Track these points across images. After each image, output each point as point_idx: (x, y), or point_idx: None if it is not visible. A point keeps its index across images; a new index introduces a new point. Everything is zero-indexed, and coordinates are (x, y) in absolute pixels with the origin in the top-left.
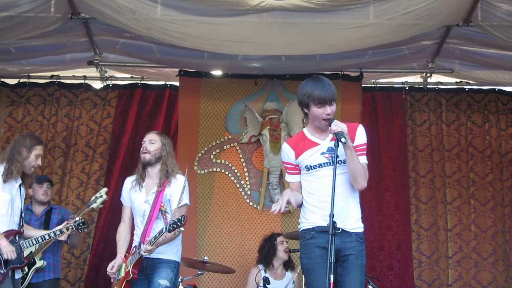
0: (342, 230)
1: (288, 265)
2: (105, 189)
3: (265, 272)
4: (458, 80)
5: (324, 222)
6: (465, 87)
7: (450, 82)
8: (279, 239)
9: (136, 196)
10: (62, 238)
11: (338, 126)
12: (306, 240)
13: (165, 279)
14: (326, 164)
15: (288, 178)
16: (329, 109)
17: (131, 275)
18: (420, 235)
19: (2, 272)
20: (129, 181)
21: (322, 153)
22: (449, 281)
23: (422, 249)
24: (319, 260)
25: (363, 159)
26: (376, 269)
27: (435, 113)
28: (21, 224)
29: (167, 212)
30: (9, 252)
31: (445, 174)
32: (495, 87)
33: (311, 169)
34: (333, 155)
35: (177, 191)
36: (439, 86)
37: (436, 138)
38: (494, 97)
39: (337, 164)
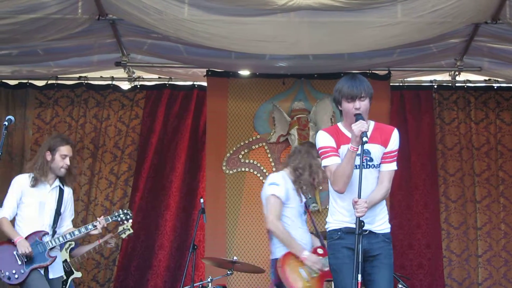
0: (370, 231)
1: None
2: (130, 221)
3: None
4: (487, 78)
5: (352, 223)
6: (494, 85)
7: (479, 80)
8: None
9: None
10: (96, 232)
11: (359, 126)
12: (333, 241)
13: None
14: (359, 166)
15: (328, 161)
16: (358, 104)
17: None
18: (450, 234)
19: (23, 272)
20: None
21: (357, 154)
22: (479, 279)
23: (452, 248)
24: (346, 260)
25: (393, 166)
26: (406, 267)
27: (463, 111)
28: (54, 225)
29: None
30: (23, 247)
31: (474, 172)
32: None
33: None
34: (367, 158)
35: None
36: (467, 84)
37: (465, 136)
38: None
39: (371, 168)
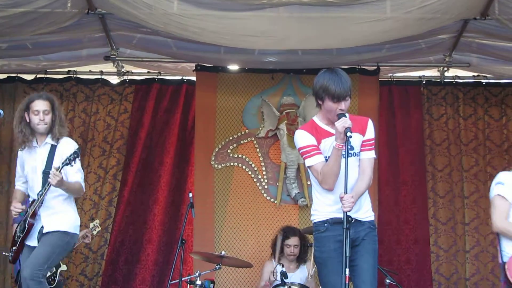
0: (355, 219)
1: (300, 258)
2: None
3: (283, 266)
4: (475, 74)
5: (338, 213)
6: (483, 81)
7: (467, 76)
8: (287, 242)
9: None
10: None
11: (342, 123)
12: (320, 233)
13: None
14: (342, 156)
15: (312, 160)
16: (344, 105)
17: None
18: (438, 229)
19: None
20: None
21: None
22: (466, 275)
23: (439, 243)
24: (332, 254)
25: (372, 154)
26: (393, 263)
27: (452, 107)
28: (42, 189)
29: None
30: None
31: (462, 168)
32: None
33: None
34: (349, 147)
35: None
36: (456, 80)
37: (453, 132)
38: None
39: (352, 157)
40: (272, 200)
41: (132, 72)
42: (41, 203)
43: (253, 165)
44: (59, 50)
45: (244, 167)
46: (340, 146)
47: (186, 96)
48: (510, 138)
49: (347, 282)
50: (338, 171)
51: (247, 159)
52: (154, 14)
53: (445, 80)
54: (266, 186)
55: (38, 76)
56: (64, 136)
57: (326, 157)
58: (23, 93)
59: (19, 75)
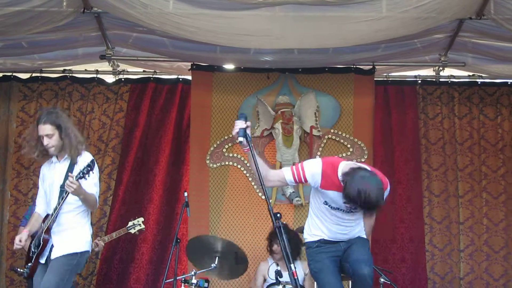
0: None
1: (296, 255)
2: (142, 219)
3: (277, 265)
4: (471, 74)
5: (329, 237)
6: (478, 80)
7: (463, 76)
8: (274, 248)
9: None
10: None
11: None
12: (312, 249)
13: None
14: (344, 211)
15: (286, 171)
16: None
17: None
18: (433, 228)
19: (27, 266)
20: None
21: (345, 202)
22: (461, 274)
23: (435, 242)
24: (326, 261)
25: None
26: (388, 261)
27: (447, 106)
28: (56, 207)
29: None
30: (16, 244)
31: (457, 167)
32: (508, 81)
33: (330, 207)
34: (352, 206)
35: None
36: (451, 80)
37: (449, 131)
38: (507, 91)
39: (354, 213)
40: None
41: (127, 71)
42: (56, 218)
43: (248, 165)
44: (55, 49)
45: (239, 166)
46: (245, 150)
47: (181, 95)
48: (505, 137)
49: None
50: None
51: (242, 158)
52: (149, 13)
53: (441, 80)
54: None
55: (34, 75)
56: (82, 152)
57: (331, 206)
58: (18, 92)
59: (14, 74)
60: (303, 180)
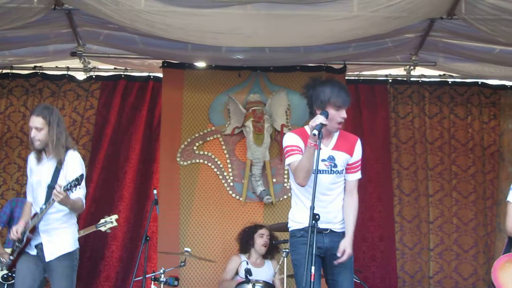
0: (331, 230)
1: (268, 253)
2: (116, 216)
3: (247, 263)
4: (441, 73)
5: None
6: (448, 80)
7: (433, 75)
8: (260, 231)
9: None
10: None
11: (313, 120)
12: (296, 238)
13: None
14: (324, 172)
15: (292, 158)
16: (345, 113)
17: None
18: (403, 227)
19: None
20: None
21: (323, 160)
22: (430, 273)
23: (405, 241)
24: (305, 255)
25: (358, 175)
26: (358, 260)
27: (418, 105)
28: (43, 206)
29: None
30: (11, 234)
31: (427, 166)
32: (478, 80)
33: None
34: (332, 164)
35: None
36: (422, 79)
37: (419, 130)
38: (477, 90)
39: (333, 174)
40: (237, 197)
41: (98, 68)
42: (42, 218)
43: (218, 162)
44: (25, 46)
45: (209, 164)
46: (312, 145)
47: (152, 92)
48: (475, 137)
49: (312, 279)
50: (309, 168)
51: (212, 156)
52: (121, 10)
53: (411, 79)
54: (231, 183)
55: (4, 71)
56: (70, 148)
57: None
58: None
59: None
60: (301, 149)
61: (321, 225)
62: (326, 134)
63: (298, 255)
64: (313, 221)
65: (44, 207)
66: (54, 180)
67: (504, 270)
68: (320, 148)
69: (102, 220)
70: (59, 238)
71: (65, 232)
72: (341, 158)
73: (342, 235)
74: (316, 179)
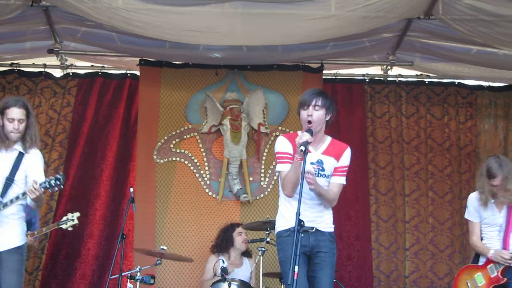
0: (316, 229)
1: (245, 253)
2: (78, 214)
3: (224, 262)
4: (418, 73)
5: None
6: (425, 80)
7: (410, 75)
8: (238, 230)
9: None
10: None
11: (299, 138)
12: (283, 238)
13: None
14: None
15: (282, 167)
16: (312, 111)
17: (505, 280)
18: (379, 226)
19: None
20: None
21: (311, 163)
22: (406, 272)
23: (381, 240)
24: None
25: (343, 180)
26: None
27: (395, 105)
28: (3, 194)
29: None
30: None
31: (404, 166)
32: (455, 80)
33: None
34: (320, 167)
35: None
36: (399, 79)
37: (396, 130)
38: (454, 90)
39: (321, 177)
40: (214, 195)
41: (75, 66)
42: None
43: (195, 160)
44: (2, 42)
45: (186, 162)
46: (298, 159)
47: (129, 90)
48: (452, 137)
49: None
50: (296, 180)
51: (189, 154)
52: (98, 8)
53: (388, 79)
54: (208, 182)
55: None
56: (35, 147)
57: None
58: None
59: None
60: (291, 155)
61: (307, 224)
62: (315, 138)
63: (285, 252)
64: (299, 227)
65: (6, 201)
66: (13, 172)
67: (461, 277)
68: (306, 156)
69: (64, 218)
70: (11, 231)
71: (17, 225)
72: (329, 163)
73: (327, 234)
74: (302, 190)
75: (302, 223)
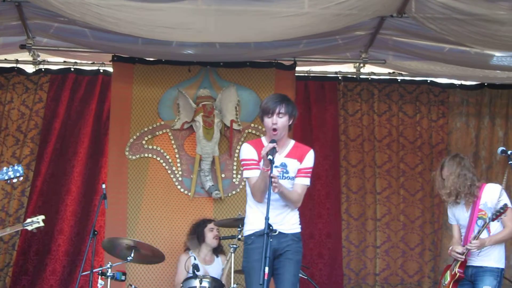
0: (279, 232)
1: (217, 250)
2: (42, 217)
3: (195, 259)
4: (391, 71)
5: (262, 225)
6: (398, 78)
7: (383, 73)
8: (209, 226)
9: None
10: None
11: (265, 149)
12: (247, 245)
13: (489, 285)
14: (278, 177)
15: (249, 173)
16: (276, 119)
17: (458, 274)
18: (350, 224)
19: None
20: None
21: (275, 166)
22: (376, 270)
23: (351, 238)
24: (255, 264)
25: (306, 181)
26: (306, 257)
27: (367, 103)
28: None
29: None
30: None
31: (375, 164)
32: (427, 79)
33: None
34: (284, 170)
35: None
36: (372, 77)
37: (368, 128)
38: (426, 89)
39: (286, 179)
40: (186, 192)
41: (48, 62)
42: None
43: (167, 157)
44: None
45: (158, 158)
46: (265, 170)
47: (102, 86)
48: (423, 135)
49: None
50: (264, 188)
51: (161, 151)
52: (71, 3)
53: (361, 77)
54: (180, 178)
55: None
56: None
57: None
58: None
59: None
60: (257, 161)
61: (272, 226)
62: (279, 143)
63: (248, 263)
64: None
65: None
66: None
67: (442, 277)
68: (273, 166)
69: (28, 220)
70: None
71: None
72: (293, 165)
73: (290, 235)
74: (270, 196)
75: (270, 227)
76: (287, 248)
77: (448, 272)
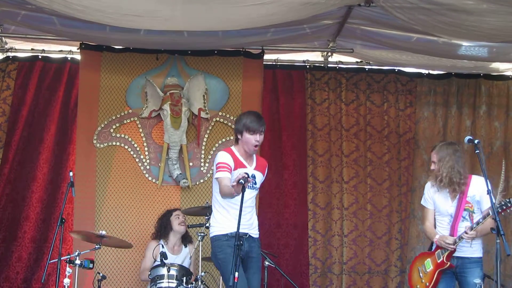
0: (249, 235)
1: (185, 239)
2: None
3: (163, 247)
4: (359, 60)
5: (234, 228)
6: (365, 67)
7: (351, 62)
8: (175, 213)
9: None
10: None
11: (237, 176)
12: (222, 241)
13: (478, 277)
14: (249, 187)
15: (220, 174)
16: (259, 138)
17: (448, 264)
18: (316, 214)
19: None
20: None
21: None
22: (344, 259)
23: (317, 228)
24: (230, 257)
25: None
26: (273, 246)
27: (334, 92)
28: None
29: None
30: None
31: (342, 153)
32: (395, 68)
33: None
34: (253, 181)
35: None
36: (339, 66)
37: (335, 117)
38: (394, 78)
39: (252, 189)
40: (154, 180)
41: (15, 49)
42: None
43: (135, 145)
44: None
45: (126, 147)
46: (234, 194)
47: (69, 74)
48: (391, 124)
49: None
50: (231, 196)
51: (129, 139)
52: None
53: (329, 65)
54: (148, 167)
55: None
56: None
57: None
58: None
59: None
60: (230, 166)
61: (242, 229)
62: (246, 154)
63: (225, 254)
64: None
65: None
66: None
67: (415, 264)
68: (246, 167)
69: None
70: None
71: None
72: (259, 177)
73: (257, 240)
74: (241, 209)
75: (245, 235)
76: (254, 255)
77: (430, 260)
